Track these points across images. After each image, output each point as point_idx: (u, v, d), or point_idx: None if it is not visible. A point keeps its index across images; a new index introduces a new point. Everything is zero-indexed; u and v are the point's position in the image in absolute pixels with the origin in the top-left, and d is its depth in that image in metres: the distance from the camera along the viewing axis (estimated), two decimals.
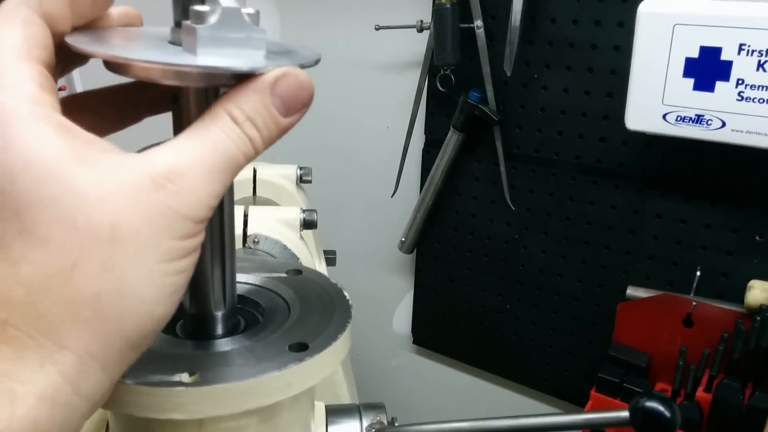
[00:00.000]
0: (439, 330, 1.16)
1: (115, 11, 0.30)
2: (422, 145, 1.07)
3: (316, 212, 0.71)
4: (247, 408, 0.31)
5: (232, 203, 0.34)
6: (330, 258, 0.93)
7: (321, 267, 0.85)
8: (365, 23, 1.03)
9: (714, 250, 0.86)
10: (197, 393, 0.29)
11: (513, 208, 0.99)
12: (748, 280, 0.81)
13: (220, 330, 0.36)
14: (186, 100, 0.31)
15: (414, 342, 1.21)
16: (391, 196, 1.08)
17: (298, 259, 0.67)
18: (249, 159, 0.27)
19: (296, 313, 0.37)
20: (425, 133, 1.06)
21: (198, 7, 0.26)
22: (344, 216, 1.21)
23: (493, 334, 1.10)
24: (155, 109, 0.35)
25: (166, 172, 0.24)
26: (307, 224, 0.70)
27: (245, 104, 0.27)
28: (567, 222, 0.96)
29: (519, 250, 1.02)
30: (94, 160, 0.24)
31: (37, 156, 0.23)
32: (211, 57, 0.26)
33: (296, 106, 0.28)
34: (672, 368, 0.85)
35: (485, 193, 1.03)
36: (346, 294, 0.39)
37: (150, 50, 0.27)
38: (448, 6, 0.92)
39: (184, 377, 0.30)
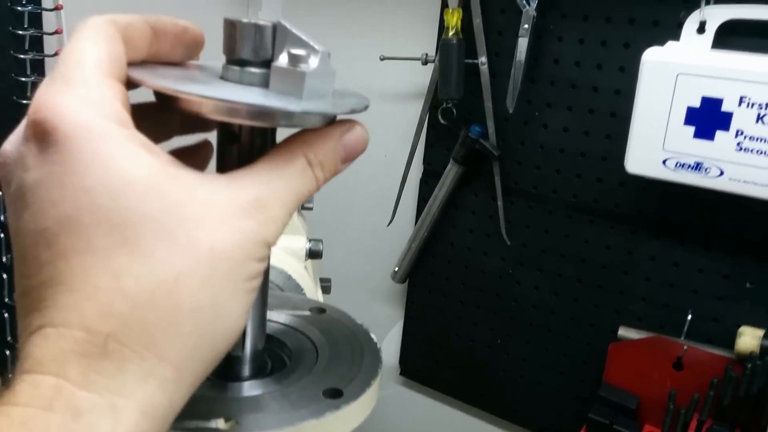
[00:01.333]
0: (427, 362, 1.16)
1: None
2: (420, 176, 1.08)
3: (322, 242, 0.71)
4: None
5: None
6: (325, 286, 0.92)
7: (318, 295, 0.84)
8: (370, 53, 1.03)
9: (705, 294, 0.87)
10: None
11: (508, 243, 1.00)
12: (738, 326, 0.83)
13: (247, 371, 0.35)
14: (252, 137, 0.31)
15: (401, 373, 1.20)
16: (387, 225, 1.08)
17: (302, 289, 0.67)
18: (310, 195, 0.30)
19: (325, 356, 0.36)
20: (424, 163, 1.07)
21: (296, 51, 0.27)
22: (338, 243, 1.21)
23: (482, 368, 1.10)
24: (185, 131, 0.35)
25: (254, 201, 0.26)
26: (313, 254, 0.70)
27: (319, 150, 0.29)
28: (561, 259, 0.97)
29: (512, 285, 1.03)
30: (184, 178, 0.25)
31: (137, 174, 0.24)
32: (312, 102, 0.27)
33: (354, 154, 0.31)
34: (661, 411, 0.86)
35: (481, 226, 1.03)
36: (373, 336, 0.39)
37: (234, 90, 0.28)
38: (455, 41, 0.93)
39: (221, 423, 0.30)
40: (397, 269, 1.11)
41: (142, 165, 0.24)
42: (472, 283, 1.07)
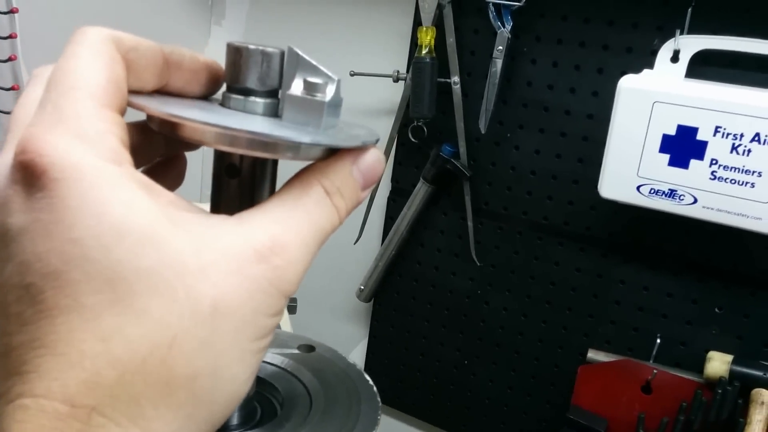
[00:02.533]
0: (392, 382, 1.13)
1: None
2: (388, 194, 1.06)
3: None
4: None
5: None
6: (291, 306, 0.89)
7: (284, 316, 0.81)
8: (340, 68, 1.01)
9: (674, 318, 0.88)
10: None
11: (478, 264, 0.99)
12: (706, 351, 0.84)
13: (235, 419, 0.32)
14: (254, 171, 0.28)
15: None
16: (354, 243, 1.06)
17: None
18: (333, 230, 0.27)
19: (320, 403, 0.34)
20: (392, 181, 1.05)
21: (313, 79, 0.25)
22: None
23: (448, 389, 1.08)
24: (168, 153, 0.33)
25: (270, 243, 0.23)
26: None
27: (335, 177, 0.27)
28: (531, 281, 0.97)
29: (480, 306, 1.02)
30: (187, 222, 0.22)
31: (132, 223, 0.21)
32: (329, 132, 0.26)
33: (372, 179, 0.28)
34: None
35: (450, 246, 1.02)
36: (368, 378, 0.37)
37: (246, 120, 0.25)
38: (428, 60, 0.92)
39: None
40: (362, 287, 1.09)
41: (138, 211, 0.21)
42: (439, 303, 1.05)
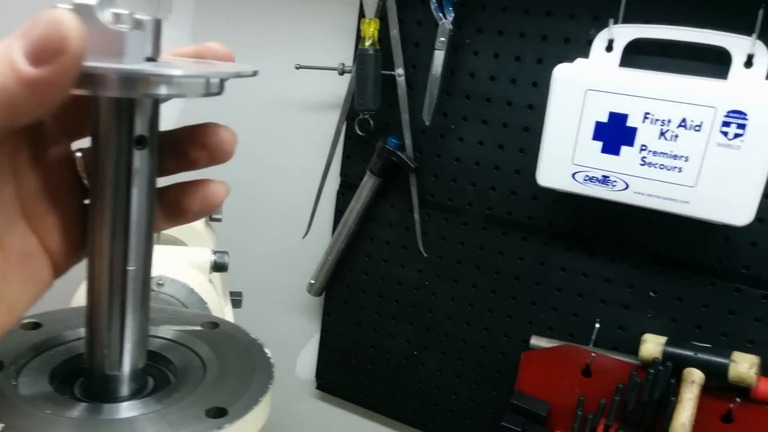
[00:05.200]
0: (344, 375, 1.14)
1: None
2: (337, 187, 1.06)
3: (228, 254, 0.68)
4: None
5: (145, 244, 0.31)
6: (236, 300, 0.89)
7: (227, 310, 0.81)
8: (286, 61, 1.01)
9: (612, 303, 0.90)
10: None
11: (425, 255, 1.00)
12: (642, 333, 0.86)
13: (125, 391, 0.32)
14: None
15: (318, 387, 1.17)
16: (303, 237, 1.06)
17: (206, 303, 0.64)
18: None
19: (213, 373, 0.34)
20: (341, 175, 1.06)
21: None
22: (252, 255, 1.17)
23: (398, 380, 1.09)
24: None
25: None
26: (218, 267, 0.67)
27: None
28: (476, 271, 0.98)
29: (428, 297, 1.03)
30: None
31: None
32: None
33: (45, 50, 0.22)
34: (571, 417, 0.88)
35: (398, 238, 1.03)
36: (267, 351, 0.37)
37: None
38: (371, 52, 0.93)
39: None
40: (313, 282, 1.09)
41: None
42: (388, 296, 1.06)
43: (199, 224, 0.79)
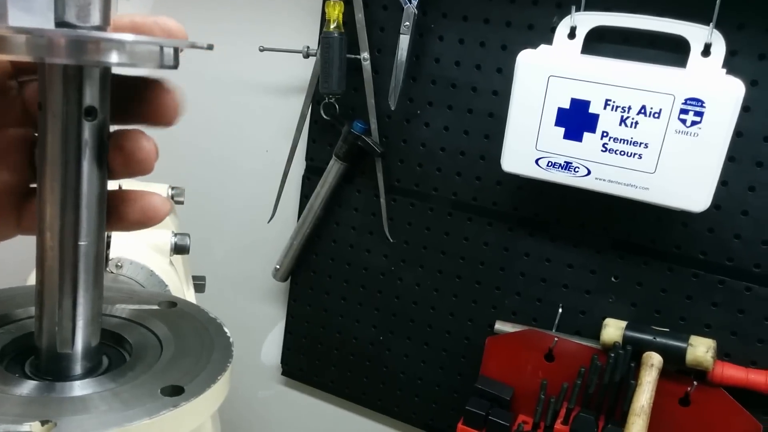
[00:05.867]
0: (309, 361, 1.13)
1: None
2: (302, 172, 1.06)
3: (189, 236, 0.67)
4: None
5: (97, 219, 0.30)
6: (199, 284, 0.88)
7: (189, 294, 0.80)
8: (249, 43, 1.00)
9: (575, 289, 0.91)
10: None
11: (391, 241, 1.00)
12: (603, 318, 0.87)
13: (78, 369, 0.32)
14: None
15: (283, 373, 1.17)
16: (268, 222, 1.05)
17: (167, 286, 0.63)
18: None
19: (170, 352, 0.33)
20: (306, 159, 1.05)
21: None
22: (216, 240, 1.16)
23: (364, 366, 1.09)
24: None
25: None
26: (179, 249, 0.66)
27: None
28: (442, 257, 0.98)
29: (395, 283, 1.03)
30: None
31: None
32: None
33: None
34: (534, 401, 0.89)
35: (364, 223, 1.03)
36: (226, 330, 0.37)
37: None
38: (336, 35, 0.92)
39: (35, 426, 0.26)
40: (278, 267, 1.08)
41: None
42: (354, 281, 1.06)
43: None
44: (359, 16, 0.92)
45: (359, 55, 0.94)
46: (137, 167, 0.30)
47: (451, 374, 1.02)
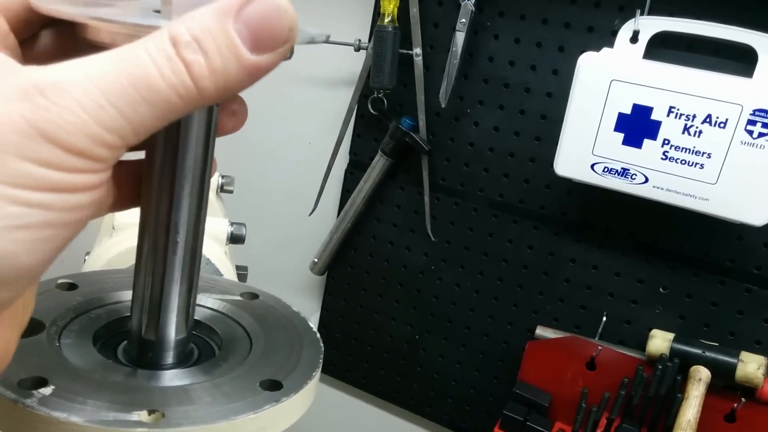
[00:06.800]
0: (343, 357, 1.13)
1: None
2: (345, 166, 1.05)
3: (245, 226, 0.66)
4: None
5: (205, 206, 0.30)
6: (241, 275, 0.87)
7: None
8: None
9: (620, 297, 0.89)
10: None
11: (433, 239, 0.99)
12: (649, 329, 0.86)
13: (170, 359, 0.31)
14: None
15: None
16: (309, 215, 1.05)
17: (222, 275, 0.62)
18: (184, 98, 0.20)
19: (260, 345, 0.33)
20: (350, 153, 1.04)
21: None
22: (256, 230, 1.15)
23: (398, 364, 1.08)
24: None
25: (39, 81, 0.19)
26: (235, 239, 0.65)
27: (196, 22, 0.20)
28: (484, 258, 0.97)
29: (434, 282, 1.02)
30: None
31: None
32: None
33: (270, 38, 0.21)
34: (573, 409, 0.88)
35: (406, 221, 1.02)
36: (311, 324, 0.36)
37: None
38: (390, 29, 0.91)
39: (143, 416, 0.26)
40: (316, 260, 1.08)
41: None
42: (392, 278, 1.05)
43: (211, 195, 0.77)
44: (414, 11, 0.91)
45: (411, 50, 0.93)
46: (238, 127, 0.30)
47: (486, 377, 1.01)
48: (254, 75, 0.22)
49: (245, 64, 0.21)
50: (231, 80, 0.21)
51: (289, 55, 0.27)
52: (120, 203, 0.30)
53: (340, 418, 1.18)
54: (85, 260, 0.70)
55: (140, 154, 0.29)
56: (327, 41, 0.28)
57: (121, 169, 0.29)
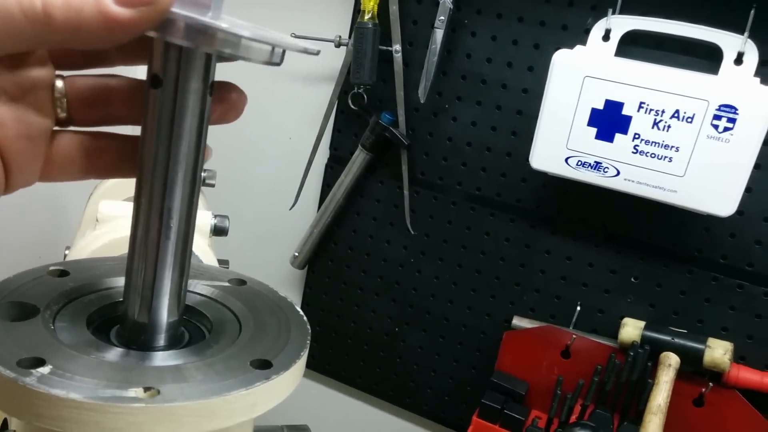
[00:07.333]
0: (323, 350, 1.14)
1: None
2: (326, 160, 1.06)
3: (228, 219, 0.67)
4: (207, 429, 0.28)
5: (196, 196, 0.31)
6: (223, 268, 0.88)
7: None
8: (282, 30, 1.00)
9: (594, 287, 0.92)
10: (157, 411, 0.26)
11: (412, 233, 1.01)
12: (621, 317, 0.89)
13: (162, 341, 0.33)
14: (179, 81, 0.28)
15: None
16: (290, 209, 1.06)
17: None
18: (30, 20, 0.22)
19: (250, 328, 0.34)
20: (330, 148, 1.05)
21: None
22: (237, 224, 1.16)
23: (378, 356, 1.10)
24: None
25: None
26: (218, 231, 0.66)
27: None
28: (462, 251, 0.99)
29: (413, 275, 1.04)
30: None
31: None
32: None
33: None
34: (548, 397, 0.90)
35: (385, 215, 1.03)
36: (298, 308, 0.37)
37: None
38: (370, 26, 0.92)
39: (140, 392, 0.27)
40: (297, 254, 1.09)
41: None
42: (372, 271, 1.07)
43: None
44: (393, 8, 0.93)
45: (391, 47, 0.94)
46: (234, 116, 0.31)
47: (465, 368, 1.03)
48: (112, 27, 0.23)
49: (103, 11, 0.23)
50: (85, 22, 0.23)
51: (279, 60, 0.29)
52: (98, 170, 0.32)
53: (320, 411, 1.19)
54: (65, 255, 0.70)
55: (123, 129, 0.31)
56: (316, 53, 0.29)
57: (103, 139, 0.31)
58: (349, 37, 0.96)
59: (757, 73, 0.75)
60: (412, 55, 0.95)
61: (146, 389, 0.27)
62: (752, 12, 0.75)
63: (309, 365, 1.16)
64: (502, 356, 0.95)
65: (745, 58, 0.76)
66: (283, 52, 0.28)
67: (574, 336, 0.90)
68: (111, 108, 0.31)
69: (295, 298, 1.16)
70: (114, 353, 0.31)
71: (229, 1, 0.27)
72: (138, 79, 0.32)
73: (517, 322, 0.95)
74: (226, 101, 0.31)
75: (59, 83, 0.30)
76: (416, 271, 1.04)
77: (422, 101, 0.92)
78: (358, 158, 1.01)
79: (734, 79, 0.75)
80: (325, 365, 1.15)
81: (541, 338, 0.92)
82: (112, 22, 0.23)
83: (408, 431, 1.11)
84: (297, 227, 1.09)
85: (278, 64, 0.29)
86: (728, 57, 0.76)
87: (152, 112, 0.29)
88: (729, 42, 0.76)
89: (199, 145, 0.29)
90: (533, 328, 0.94)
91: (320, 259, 1.10)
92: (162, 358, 0.31)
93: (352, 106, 0.98)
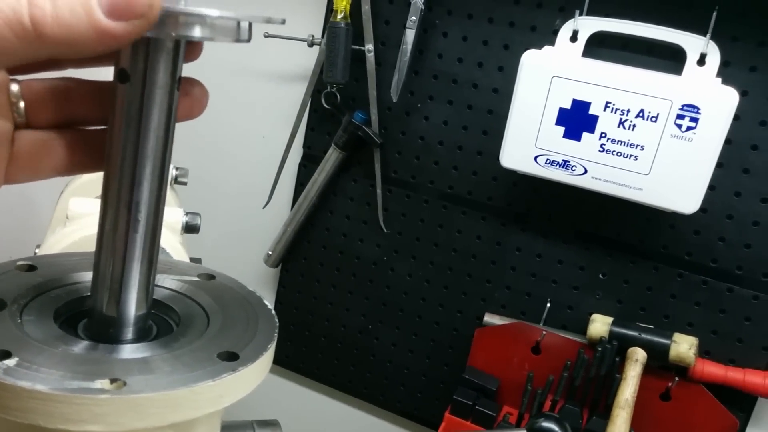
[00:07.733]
0: (297, 348, 1.14)
1: None
2: (299, 159, 1.06)
3: (200, 216, 0.67)
4: (174, 421, 0.28)
5: (164, 190, 0.31)
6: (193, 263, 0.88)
7: None
8: (254, 30, 1.00)
9: (563, 284, 0.94)
10: (122, 402, 0.27)
11: (385, 231, 1.01)
12: (590, 314, 0.90)
13: (130, 334, 0.33)
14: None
15: None
16: (263, 207, 1.06)
17: None
18: (19, 37, 0.22)
19: (217, 321, 0.34)
20: (304, 147, 1.06)
21: None
22: (210, 222, 1.15)
23: (352, 354, 1.10)
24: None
25: None
26: (189, 228, 0.66)
27: None
28: (435, 248, 1.00)
29: (386, 272, 1.04)
30: None
31: None
32: None
33: (126, 7, 0.23)
34: (520, 392, 0.92)
35: (358, 213, 1.04)
36: (267, 303, 0.38)
37: None
38: (343, 25, 0.93)
39: (105, 384, 0.27)
40: (270, 253, 1.09)
41: None
42: (346, 270, 1.07)
43: None
44: (366, 8, 0.93)
45: (363, 46, 0.95)
46: (198, 111, 0.31)
47: (437, 365, 1.04)
48: (104, 40, 0.23)
49: (95, 26, 0.23)
50: (77, 36, 0.23)
51: (247, 36, 0.29)
52: (65, 167, 0.32)
53: (294, 410, 1.19)
54: (35, 253, 0.70)
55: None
56: (282, 22, 0.29)
57: (66, 135, 0.31)
58: (322, 36, 0.96)
59: (719, 74, 0.77)
60: (384, 55, 0.96)
61: (113, 381, 0.27)
62: (714, 14, 0.77)
63: (282, 363, 1.17)
64: (473, 353, 0.96)
65: (707, 59, 0.78)
66: (250, 26, 0.29)
67: (544, 332, 0.91)
68: (71, 109, 0.31)
69: (268, 297, 1.15)
70: (81, 346, 0.31)
71: (201, 2, 0.28)
72: (98, 81, 0.32)
73: (489, 318, 0.97)
74: (190, 95, 0.31)
75: (14, 87, 0.30)
76: (389, 269, 1.04)
77: (394, 100, 0.93)
78: (332, 157, 1.01)
79: (697, 80, 0.77)
80: (299, 363, 1.15)
81: (512, 335, 0.94)
82: (104, 36, 0.23)
83: (381, 428, 1.12)
84: (270, 226, 1.09)
85: (247, 41, 0.29)
86: (691, 58, 0.78)
87: (120, 106, 0.29)
88: (692, 43, 0.78)
89: (167, 139, 0.30)
90: (504, 324, 0.95)
91: (294, 257, 1.10)
92: (130, 351, 0.31)
93: (325, 105, 0.99)
